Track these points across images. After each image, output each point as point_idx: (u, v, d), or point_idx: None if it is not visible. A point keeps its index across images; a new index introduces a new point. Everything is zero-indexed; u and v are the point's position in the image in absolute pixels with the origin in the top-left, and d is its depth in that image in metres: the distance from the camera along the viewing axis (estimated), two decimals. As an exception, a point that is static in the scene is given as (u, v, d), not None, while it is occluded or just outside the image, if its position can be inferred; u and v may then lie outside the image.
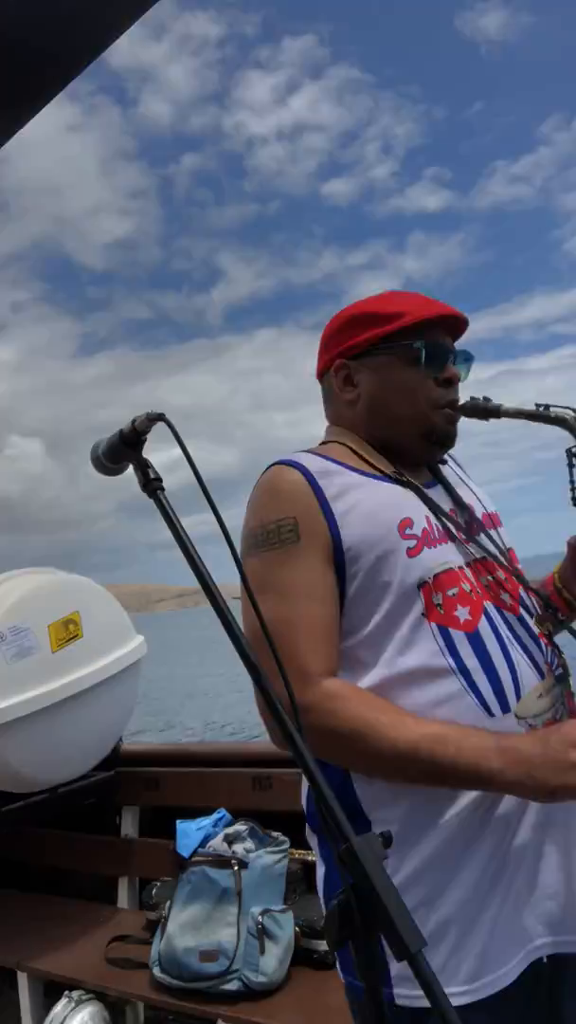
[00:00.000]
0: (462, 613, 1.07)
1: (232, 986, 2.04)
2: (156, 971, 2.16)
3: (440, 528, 1.14)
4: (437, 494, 1.21)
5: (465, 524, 1.19)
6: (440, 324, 1.20)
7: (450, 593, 1.08)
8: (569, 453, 1.14)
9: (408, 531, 1.10)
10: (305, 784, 1.20)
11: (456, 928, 1.02)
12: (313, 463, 1.13)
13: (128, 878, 2.87)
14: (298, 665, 1.02)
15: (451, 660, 1.05)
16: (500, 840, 1.04)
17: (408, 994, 1.01)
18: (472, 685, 1.04)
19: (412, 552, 1.08)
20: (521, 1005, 1.04)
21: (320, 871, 1.17)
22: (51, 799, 2.78)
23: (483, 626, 1.08)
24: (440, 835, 1.03)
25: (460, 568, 1.11)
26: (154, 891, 2.64)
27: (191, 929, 2.14)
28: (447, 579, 1.09)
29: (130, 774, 2.97)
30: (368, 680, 1.06)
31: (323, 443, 1.27)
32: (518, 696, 1.06)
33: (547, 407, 1.15)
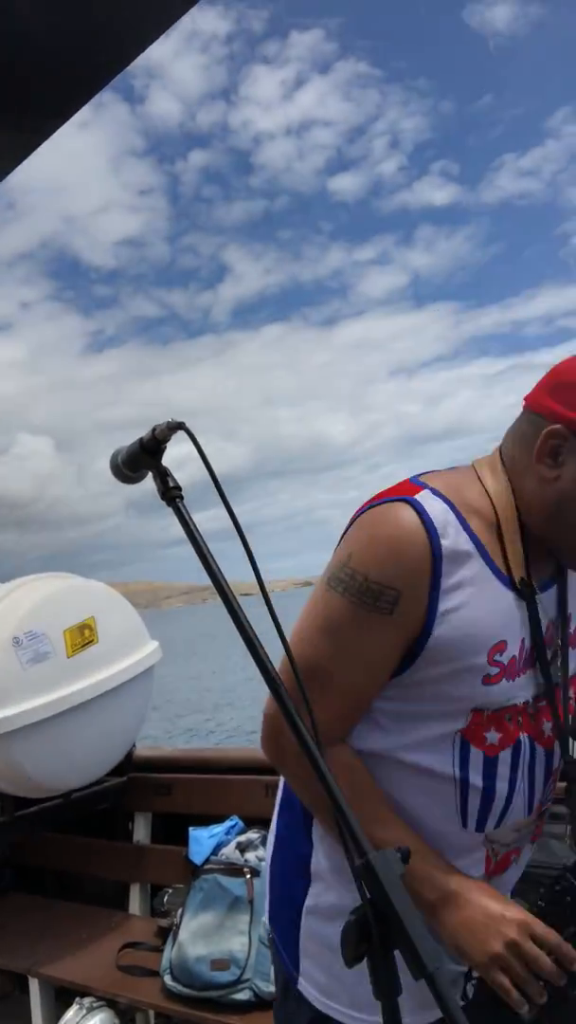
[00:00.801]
0: (492, 737, 1.04)
1: (243, 996, 2.04)
2: (167, 979, 2.16)
3: (530, 654, 1.06)
4: (548, 598, 1.10)
5: (556, 645, 1.11)
6: None
7: (494, 719, 1.04)
8: None
9: (497, 657, 1.02)
10: (280, 791, 1.22)
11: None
12: (447, 535, 1.00)
13: (140, 884, 2.87)
14: (319, 722, 1.00)
15: (458, 771, 1.03)
16: None
17: (312, 991, 1.11)
18: (463, 798, 1.04)
19: (489, 680, 1.01)
20: None
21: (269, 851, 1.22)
22: (64, 804, 2.78)
23: (504, 754, 1.04)
24: None
25: (524, 703, 1.06)
26: (166, 898, 2.64)
27: (202, 937, 2.13)
28: (504, 711, 1.05)
29: (143, 780, 2.97)
30: (377, 744, 1.06)
31: (477, 471, 1.10)
32: (498, 824, 1.06)
33: None
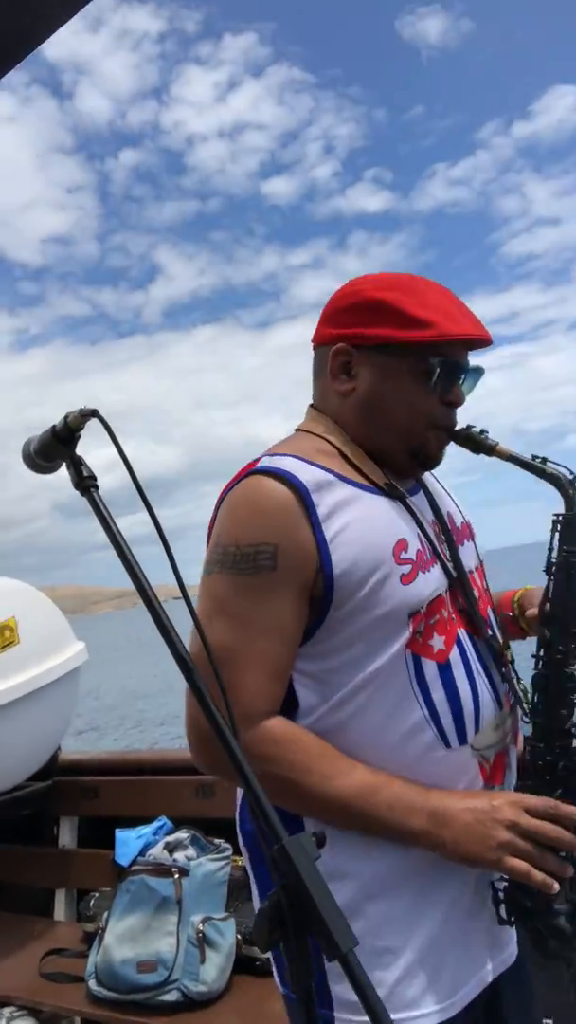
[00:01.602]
0: (437, 642, 1.04)
1: (171, 996, 2.01)
2: (92, 984, 2.11)
3: (429, 547, 1.09)
4: (420, 502, 1.16)
5: (446, 539, 1.15)
6: (463, 343, 1.11)
7: (432, 621, 1.05)
8: (556, 519, 1.09)
9: (403, 555, 1.03)
10: (239, 798, 1.17)
11: (429, 959, 1.02)
12: (303, 473, 1.03)
13: (66, 890, 2.80)
14: (241, 702, 0.98)
15: (419, 692, 1.02)
16: (456, 880, 1.05)
17: (350, 1019, 1.00)
18: (435, 717, 1.03)
19: (407, 579, 1.02)
20: None
21: (255, 888, 1.15)
22: (-15, 810, 2.71)
23: (454, 656, 1.05)
24: (409, 878, 1.03)
25: (446, 592, 1.08)
26: (92, 902, 2.58)
27: (129, 940, 2.09)
28: (436, 606, 1.05)
29: (68, 783, 2.91)
30: (334, 701, 1.03)
31: (303, 430, 1.16)
32: (477, 728, 1.05)
33: (544, 460, 1.11)
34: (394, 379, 1.10)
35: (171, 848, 2.28)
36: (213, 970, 2.04)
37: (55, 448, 0.90)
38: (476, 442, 1.13)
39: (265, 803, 0.68)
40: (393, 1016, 0.97)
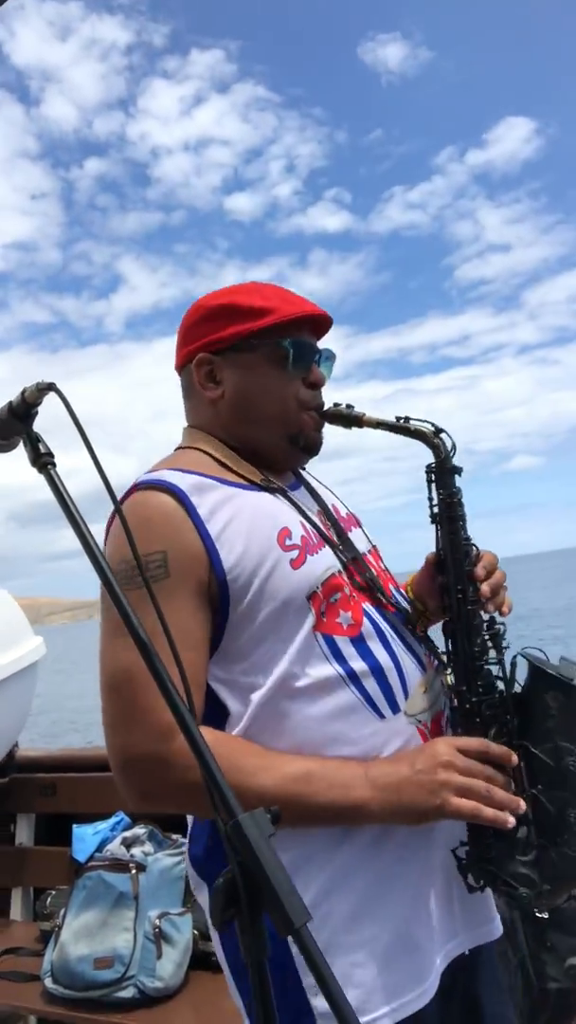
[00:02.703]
0: (345, 618, 1.06)
1: (127, 993, 1.98)
2: (48, 982, 2.08)
3: (315, 533, 1.12)
4: (301, 496, 1.19)
5: (333, 526, 1.19)
6: (306, 323, 1.17)
7: (332, 600, 1.06)
8: (429, 470, 1.14)
9: (288, 541, 1.06)
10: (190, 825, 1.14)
11: (386, 957, 1.01)
12: (182, 480, 1.06)
13: (22, 888, 2.76)
14: (156, 717, 0.95)
15: (339, 667, 1.03)
16: (418, 867, 1.04)
17: None
18: (362, 690, 1.03)
19: (296, 563, 1.05)
20: (440, 1009, 1.04)
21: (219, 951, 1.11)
22: None
23: (366, 627, 1.07)
24: (363, 880, 1.01)
25: (340, 572, 1.10)
26: (49, 900, 2.54)
27: (85, 936, 2.06)
28: (333, 585, 1.07)
29: (25, 780, 2.86)
30: (259, 700, 1.02)
31: (180, 448, 1.20)
32: (406, 694, 1.07)
33: (407, 419, 1.15)
34: (256, 371, 1.15)
35: (128, 844, 2.25)
36: (170, 966, 2.02)
37: (11, 425, 0.88)
38: (345, 417, 1.18)
39: (219, 778, 0.67)
40: (379, 1011, 0.98)
